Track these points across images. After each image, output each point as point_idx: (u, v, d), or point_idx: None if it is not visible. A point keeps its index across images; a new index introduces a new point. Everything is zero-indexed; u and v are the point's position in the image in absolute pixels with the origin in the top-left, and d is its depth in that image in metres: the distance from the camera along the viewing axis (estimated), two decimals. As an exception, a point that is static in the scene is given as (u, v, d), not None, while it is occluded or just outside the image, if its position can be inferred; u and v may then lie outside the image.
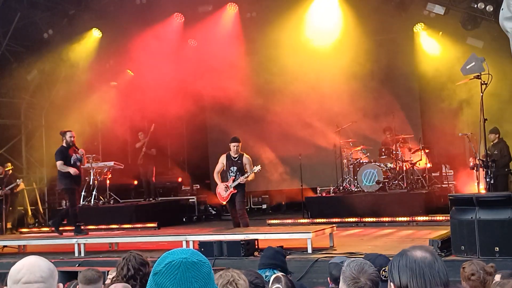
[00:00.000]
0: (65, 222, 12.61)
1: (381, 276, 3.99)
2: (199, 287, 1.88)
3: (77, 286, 5.38)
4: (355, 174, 14.40)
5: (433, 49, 14.95)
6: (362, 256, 5.60)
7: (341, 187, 14.91)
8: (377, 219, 13.11)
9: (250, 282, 4.02)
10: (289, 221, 14.09)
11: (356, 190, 14.35)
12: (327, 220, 13.10)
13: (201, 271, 1.90)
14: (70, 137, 11.74)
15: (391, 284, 2.56)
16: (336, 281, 4.50)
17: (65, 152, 11.66)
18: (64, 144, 11.78)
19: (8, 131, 17.42)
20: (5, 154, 17.34)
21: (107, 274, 6.74)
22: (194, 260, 1.91)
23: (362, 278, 3.76)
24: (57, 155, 11.78)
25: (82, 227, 12.02)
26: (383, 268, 4.18)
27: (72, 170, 11.53)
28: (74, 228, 11.93)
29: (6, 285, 2.56)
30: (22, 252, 12.02)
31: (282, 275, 5.09)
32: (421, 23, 14.96)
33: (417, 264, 2.49)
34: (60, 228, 12.16)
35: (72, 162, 11.66)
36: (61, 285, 2.60)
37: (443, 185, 14.56)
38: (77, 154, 11.76)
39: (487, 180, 9.75)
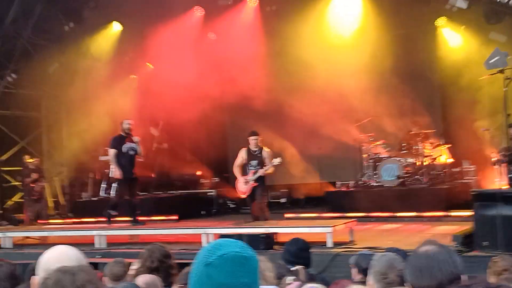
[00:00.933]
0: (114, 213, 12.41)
1: None
2: (249, 282, 1.89)
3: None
4: (375, 168, 14.34)
5: (455, 43, 14.80)
6: (383, 251, 5.56)
7: (361, 182, 14.85)
8: (397, 214, 13.03)
9: (282, 275, 4.03)
10: (308, 215, 14.06)
11: (376, 184, 14.28)
12: (347, 214, 13.05)
13: (252, 266, 1.92)
14: (126, 124, 11.48)
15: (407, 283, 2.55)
16: (364, 272, 4.48)
17: (119, 140, 11.45)
18: (121, 133, 11.63)
19: (29, 124, 17.57)
20: (26, 146, 17.51)
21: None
22: (246, 255, 1.93)
23: (391, 274, 3.75)
24: (111, 143, 11.59)
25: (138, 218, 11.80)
26: None
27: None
28: (131, 219, 11.78)
29: (36, 274, 2.58)
30: (43, 243, 12.13)
31: (301, 267, 5.09)
32: (443, 17, 14.80)
33: (419, 259, 2.46)
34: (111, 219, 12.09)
35: (124, 150, 11.47)
36: None
37: (464, 181, 14.44)
38: (131, 143, 11.50)
39: (510, 176, 9.67)
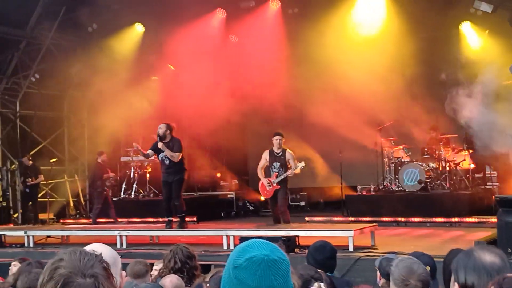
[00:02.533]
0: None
1: None
2: (279, 285, 1.86)
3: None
4: (396, 173, 14.25)
5: (478, 47, 14.66)
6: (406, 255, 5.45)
7: (382, 186, 14.76)
8: (418, 219, 12.94)
9: (311, 277, 4.00)
10: (329, 218, 14.01)
11: (397, 189, 14.19)
12: (367, 218, 12.98)
13: (281, 268, 1.89)
14: (160, 128, 11.20)
15: (455, 283, 2.48)
16: (388, 277, 4.42)
17: (155, 145, 11.20)
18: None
19: (51, 124, 17.75)
20: (48, 146, 17.67)
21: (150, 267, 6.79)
22: (275, 258, 1.89)
23: (412, 279, 3.67)
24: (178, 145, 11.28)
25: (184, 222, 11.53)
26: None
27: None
28: (179, 220, 11.50)
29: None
30: (65, 243, 12.21)
31: (322, 272, 5.03)
32: (467, 21, 14.69)
33: (486, 269, 2.39)
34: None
35: (160, 158, 11.33)
36: (124, 272, 2.62)
37: (487, 186, 14.30)
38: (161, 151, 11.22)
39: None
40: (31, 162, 16.20)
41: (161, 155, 11.14)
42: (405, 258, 3.90)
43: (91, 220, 15.86)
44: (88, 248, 2.53)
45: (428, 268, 4.09)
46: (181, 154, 11.18)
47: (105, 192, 14.98)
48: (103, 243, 2.69)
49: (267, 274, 1.85)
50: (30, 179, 15.88)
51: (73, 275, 1.92)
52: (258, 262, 1.86)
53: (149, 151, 11.33)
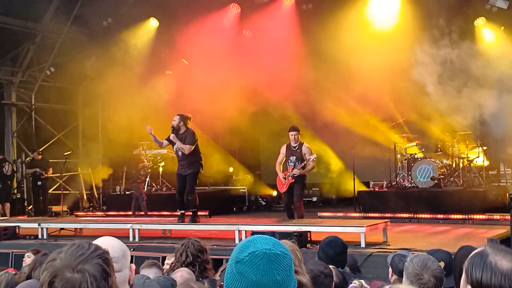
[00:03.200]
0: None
1: None
2: (281, 279, 1.87)
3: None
4: (409, 169, 14.20)
5: (494, 44, 14.56)
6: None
7: (395, 182, 14.72)
8: (431, 216, 12.88)
9: (321, 272, 4.00)
10: (341, 214, 14.00)
11: (410, 185, 14.14)
12: (380, 215, 12.96)
13: (284, 263, 1.89)
14: (173, 120, 11.14)
15: (468, 285, 2.44)
16: (401, 273, 4.42)
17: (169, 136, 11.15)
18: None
19: (66, 117, 17.87)
20: (62, 139, 17.80)
21: (162, 260, 6.84)
22: (277, 252, 1.90)
23: (426, 274, 3.69)
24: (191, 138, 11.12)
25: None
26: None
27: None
28: (191, 214, 11.39)
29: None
30: (78, 235, 12.30)
31: (334, 267, 5.03)
32: (482, 17, 14.58)
33: (504, 275, 2.36)
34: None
35: (174, 149, 11.27)
36: (133, 265, 2.64)
37: (501, 184, 14.20)
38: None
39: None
40: (40, 156, 16.33)
41: (175, 146, 11.11)
42: (420, 254, 3.93)
43: (104, 213, 16.03)
44: (97, 241, 2.56)
45: (442, 264, 4.09)
46: (193, 146, 11.05)
47: (141, 182, 15.18)
48: (114, 236, 2.71)
49: (270, 268, 1.86)
50: (43, 172, 16.02)
51: (63, 268, 1.95)
52: (260, 256, 1.87)
53: (164, 141, 11.27)
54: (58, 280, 1.93)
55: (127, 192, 17.11)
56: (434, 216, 12.87)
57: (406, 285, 3.69)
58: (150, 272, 5.04)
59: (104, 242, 2.56)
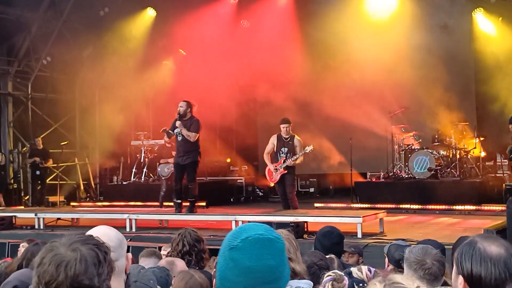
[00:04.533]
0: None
1: None
2: (275, 264, 1.87)
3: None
4: (406, 160, 14.20)
5: (491, 35, 14.54)
6: (415, 243, 5.47)
7: (392, 173, 14.73)
8: (428, 207, 12.92)
9: (314, 263, 4.01)
10: (338, 205, 14.02)
11: (406, 176, 14.15)
12: (376, 205, 12.99)
13: (277, 247, 1.90)
14: (180, 106, 11.02)
15: (459, 276, 2.43)
16: (397, 263, 4.42)
17: (173, 123, 11.07)
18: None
19: (63, 107, 17.81)
20: (59, 129, 17.76)
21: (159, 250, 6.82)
22: (270, 237, 1.90)
23: (428, 259, 3.70)
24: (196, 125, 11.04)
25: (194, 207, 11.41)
26: None
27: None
28: (189, 204, 11.37)
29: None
30: (75, 225, 12.30)
31: (335, 257, 5.03)
32: (480, 8, 14.55)
33: (493, 261, 2.36)
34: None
35: (174, 133, 11.14)
36: (130, 254, 2.63)
37: (497, 175, 14.22)
38: (179, 127, 10.97)
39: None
40: (42, 146, 16.31)
41: (176, 130, 11.03)
42: (417, 245, 3.94)
43: (101, 203, 16.06)
44: (94, 230, 2.56)
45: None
46: (198, 134, 11.02)
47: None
48: (111, 226, 2.71)
49: (263, 253, 1.86)
50: (43, 162, 16.00)
51: (59, 246, 1.94)
52: (254, 242, 1.87)
53: (170, 131, 11.24)
54: (50, 255, 1.92)
55: (124, 183, 17.10)
56: (430, 207, 12.91)
57: (402, 275, 3.69)
58: (149, 261, 5.05)
59: (100, 231, 2.55)
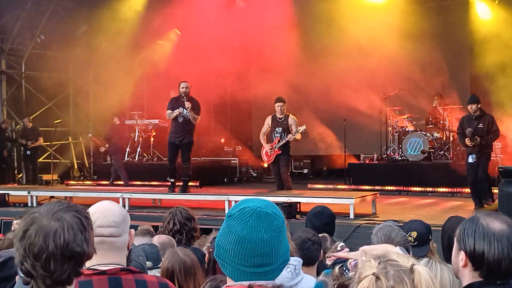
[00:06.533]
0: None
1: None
2: (269, 238, 1.88)
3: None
4: (400, 142, 14.23)
5: (488, 18, 14.50)
6: (402, 224, 5.43)
7: (385, 155, 14.77)
8: (420, 189, 12.98)
9: (308, 239, 4.03)
10: (331, 186, 14.07)
11: (400, 158, 14.19)
12: (370, 187, 13.04)
13: (273, 223, 1.91)
14: (181, 88, 10.90)
15: (461, 251, 2.44)
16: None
17: (173, 103, 11.03)
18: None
19: (57, 85, 17.70)
20: (53, 107, 17.70)
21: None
22: (267, 211, 1.91)
23: (397, 238, 3.68)
24: (168, 104, 11.07)
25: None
26: (410, 233, 4.08)
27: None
28: (182, 183, 11.39)
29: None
30: (68, 204, 12.28)
31: (329, 236, 5.05)
32: (476, -9, 14.51)
33: (496, 236, 2.37)
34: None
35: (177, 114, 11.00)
36: (133, 230, 2.64)
37: (491, 158, 14.22)
38: (182, 108, 10.89)
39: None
40: (31, 124, 16.26)
41: (185, 112, 10.91)
42: (384, 226, 3.84)
43: (95, 182, 16.06)
44: (98, 205, 2.57)
45: (415, 234, 4.12)
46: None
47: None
48: (116, 203, 2.71)
49: (258, 225, 1.87)
50: (30, 142, 15.96)
51: (40, 217, 1.93)
52: (250, 213, 1.89)
53: (169, 111, 11.15)
54: (34, 227, 1.91)
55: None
56: (423, 189, 12.97)
57: (397, 254, 3.68)
58: (143, 240, 5.06)
59: (104, 206, 2.56)
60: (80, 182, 16.69)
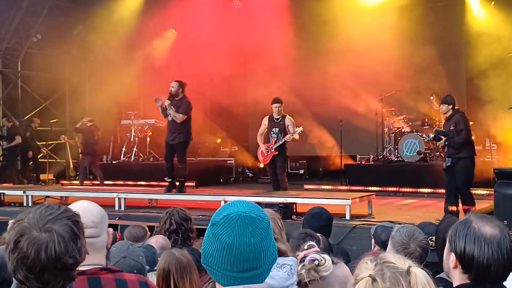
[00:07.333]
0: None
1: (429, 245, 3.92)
2: (255, 242, 1.86)
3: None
4: (396, 143, 14.25)
5: (484, 19, 14.53)
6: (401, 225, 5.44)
7: (381, 156, 14.78)
8: (416, 190, 12.98)
9: (305, 232, 4.04)
10: (327, 187, 14.08)
11: (396, 159, 14.21)
12: (366, 188, 13.04)
13: (259, 226, 1.89)
14: (172, 87, 10.96)
15: (452, 253, 2.45)
16: (383, 244, 4.44)
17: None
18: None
19: (53, 85, 17.69)
20: (49, 107, 17.67)
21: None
22: (252, 215, 1.89)
23: (412, 244, 3.71)
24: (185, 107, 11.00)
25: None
26: (430, 237, 4.09)
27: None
28: (178, 184, 11.38)
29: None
30: (64, 203, 12.24)
31: (320, 235, 5.05)
32: (472, -8, 14.54)
33: (486, 241, 2.37)
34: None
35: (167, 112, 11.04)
36: (111, 230, 2.63)
37: (486, 159, 14.27)
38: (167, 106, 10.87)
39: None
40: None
41: (168, 111, 10.98)
42: (408, 225, 3.93)
43: (90, 182, 16.03)
44: (75, 205, 2.54)
45: (434, 238, 4.12)
46: (186, 116, 10.97)
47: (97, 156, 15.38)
48: (100, 205, 2.69)
49: (244, 231, 1.86)
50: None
51: (30, 227, 1.93)
52: (235, 219, 1.87)
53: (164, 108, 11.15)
54: (24, 239, 1.91)
55: (113, 162, 17.07)
56: (419, 190, 12.96)
57: (393, 255, 3.69)
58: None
59: (82, 206, 2.52)
60: (76, 182, 16.65)
